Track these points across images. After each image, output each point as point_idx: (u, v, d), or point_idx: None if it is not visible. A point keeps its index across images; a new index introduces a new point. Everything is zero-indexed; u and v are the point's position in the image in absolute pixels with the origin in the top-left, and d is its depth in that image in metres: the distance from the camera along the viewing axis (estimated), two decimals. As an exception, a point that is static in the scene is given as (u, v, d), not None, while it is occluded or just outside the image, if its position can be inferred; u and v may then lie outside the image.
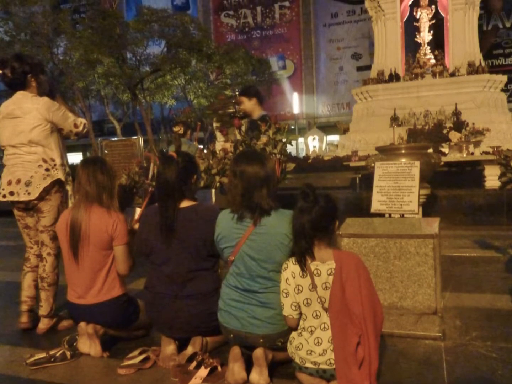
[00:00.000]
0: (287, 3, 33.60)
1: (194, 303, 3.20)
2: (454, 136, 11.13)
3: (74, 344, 3.49)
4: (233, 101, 6.00)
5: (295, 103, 29.58)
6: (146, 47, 23.97)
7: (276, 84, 30.01)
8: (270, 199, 2.95)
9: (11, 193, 3.94)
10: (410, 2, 16.24)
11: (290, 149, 5.60)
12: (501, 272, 5.34)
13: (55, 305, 4.05)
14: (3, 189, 3.98)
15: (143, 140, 10.15)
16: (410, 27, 16.40)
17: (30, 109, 3.94)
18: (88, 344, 3.42)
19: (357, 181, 11.73)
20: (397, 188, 5.02)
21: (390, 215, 5.16)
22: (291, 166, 4.99)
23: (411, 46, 16.47)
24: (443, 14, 16.01)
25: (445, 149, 11.20)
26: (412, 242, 3.78)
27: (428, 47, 15.89)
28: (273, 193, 3.00)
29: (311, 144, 17.68)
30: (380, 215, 5.11)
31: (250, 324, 2.92)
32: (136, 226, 3.65)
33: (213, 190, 5.08)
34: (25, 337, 3.92)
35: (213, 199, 5.00)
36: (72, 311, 3.63)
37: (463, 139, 10.97)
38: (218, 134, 6.42)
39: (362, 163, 10.26)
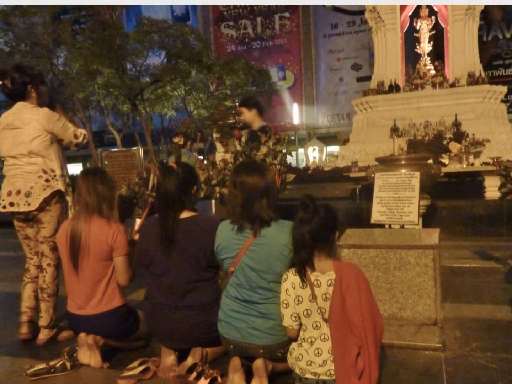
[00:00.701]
0: (287, 14, 33.63)
1: (194, 314, 3.20)
2: (454, 147, 11.13)
3: (74, 355, 3.49)
4: (233, 112, 6.01)
5: (295, 113, 29.50)
6: (146, 57, 23.90)
7: (276, 95, 29.94)
8: (270, 209, 2.96)
9: (11, 204, 3.94)
10: (410, 13, 16.25)
11: (290, 160, 5.61)
12: (501, 283, 5.33)
13: (55, 315, 4.04)
14: (3, 200, 3.98)
15: (143, 150, 10.13)
16: (410, 37, 16.40)
17: (30, 120, 3.94)
18: (88, 354, 3.42)
19: (357, 192, 11.70)
20: (397, 199, 5.03)
21: (390, 225, 5.16)
22: (291, 176, 4.99)
23: (411, 57, 16.46)
24: (443, 25, 16.03)
25: (445, 160, 11.20)
26: (412, 253, 3.78)
27: (428, 58, 15.88)
28: (273, 204, 3.01)
29: (311, 155, 17.61)
30: (380, 225, 5.12)
31: (250, 335, 2.92)
32: (136, 237, 3.66)
33: (213, 201, 5.08)
34: (25, 348, 3.91)
35: (213, 209, 5.00)
36: (72, 321, 3.63)
37: (463, 150, 10.96)
38: (218, 145, 6.42)
39: (362, 174, 10.23)
